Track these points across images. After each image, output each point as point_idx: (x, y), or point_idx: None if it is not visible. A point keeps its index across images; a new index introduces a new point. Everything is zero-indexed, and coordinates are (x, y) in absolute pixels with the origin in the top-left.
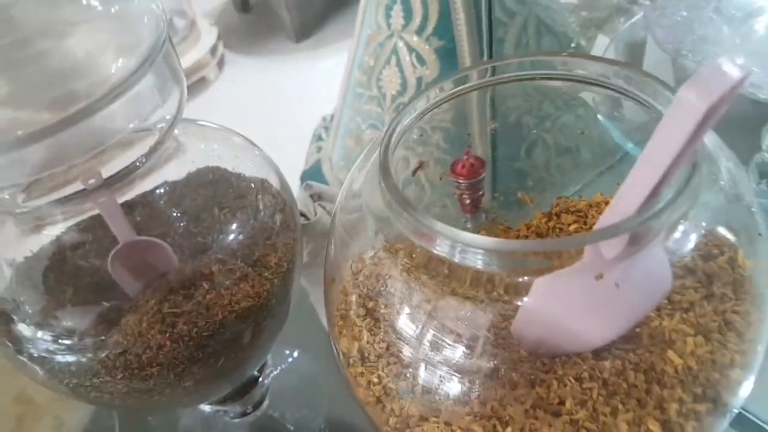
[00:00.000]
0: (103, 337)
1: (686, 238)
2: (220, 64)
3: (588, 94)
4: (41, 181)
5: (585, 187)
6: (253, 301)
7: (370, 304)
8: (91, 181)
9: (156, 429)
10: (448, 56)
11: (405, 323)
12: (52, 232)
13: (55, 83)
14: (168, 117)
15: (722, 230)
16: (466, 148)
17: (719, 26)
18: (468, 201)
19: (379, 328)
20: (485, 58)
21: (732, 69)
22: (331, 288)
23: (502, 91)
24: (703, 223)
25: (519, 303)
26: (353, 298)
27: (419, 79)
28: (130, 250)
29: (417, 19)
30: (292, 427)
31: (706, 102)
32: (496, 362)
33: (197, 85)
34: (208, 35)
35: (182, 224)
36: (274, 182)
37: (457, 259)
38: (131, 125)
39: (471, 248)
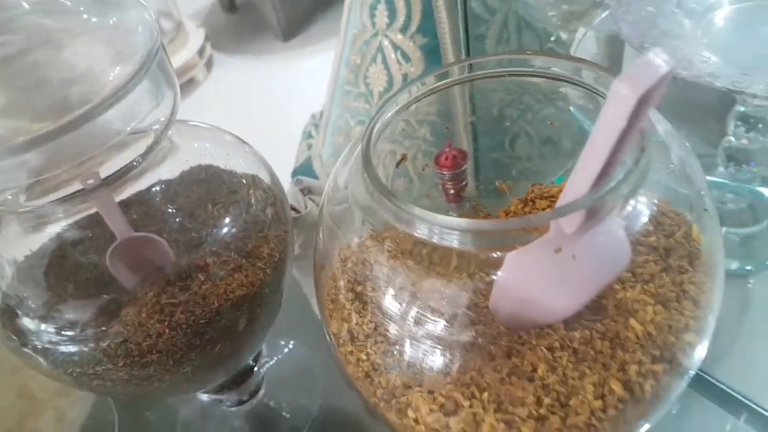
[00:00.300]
0: (104, 328)
1: (639, 215)
2: (209, 64)
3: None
4: (42, 182)
5: (567, 173)
6: (247, 290)
7: (359, 288)
8: (90, 181)
9: (155, 422)
10: (432, 53)
11: (391, 303)
12: (52, 230)
13: (54, 92)
14: (162, 119)
15: (676, 208)
16: (447, 141)
17: (681, 20)
18: (452, 191)
19: (367, 310)
20: (463, 55)
21: (659, 63)
22: (321, 274)
23: (484, 85)
24: (655, 200)
25: (493, 277)
26: (342, 283)
27: (405, 76)
28: (128, 246)
29: (401, 18)
30: (287, 415)
31: (635, 94)
32: (475, 336)
33: (186, 86)
34: (196, 36)
35: (177, 220)
36: (265, 178)
37: (436, 240)
38: (128, 128)
39: (447, 230)
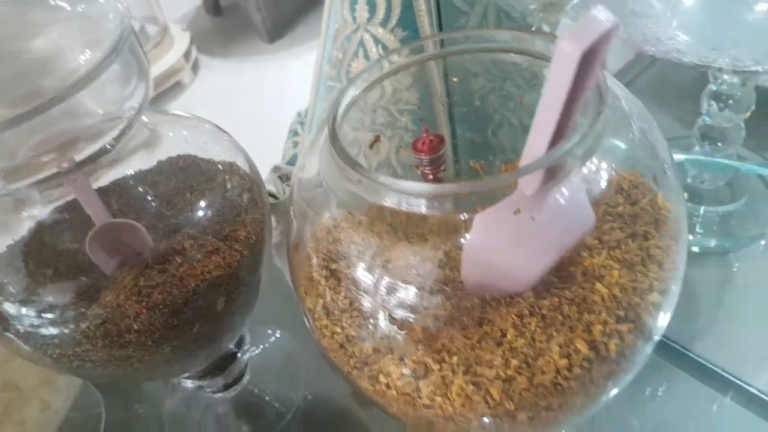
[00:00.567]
0: (83, 310)
1: (600, 179)
2: (195, 68)
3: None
4: (19, 169)
5: None
6: (224, 271)
7: (333, 266)
8: (65, 165)
9: (141, 413)
10: None
11: (364, 276)
12: (32, 217)
13: (26, 80)
14: (135, 105)
15: (640, 177)
16: (424, 126)
17: (650, 1)
18: (430, 176)
19: (342, 286)
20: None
21: (601, 21)
22: (295, 255)
23: (463, 67)
24: (614, 165)
25: (462, 241)
26: (317, 261)
27: None
28: (107, 232)
29: (381, 12)
30: (272, 402)
31: (579, 49)
32: (448, 308)
33: (173, 89)
34: (181, 40)
35: (155, 207)
36: (243, 165)
37: (404, 207)
38: (101, 112)
39: (413, 196)
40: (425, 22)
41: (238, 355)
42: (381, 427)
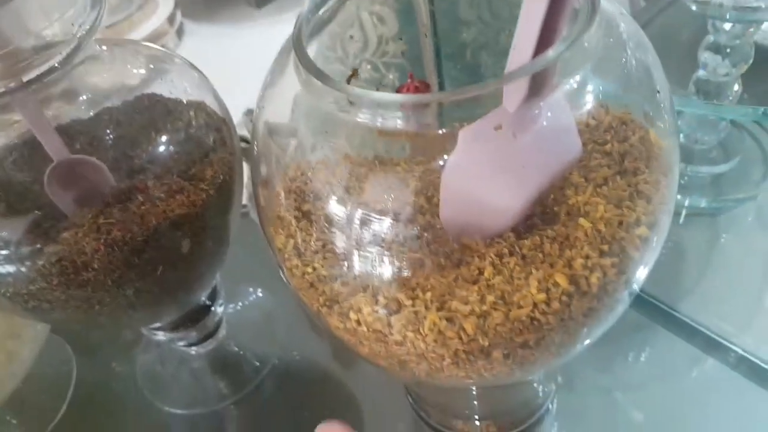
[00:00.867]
0: (39, 246)
1: (585, 99)
2: (179, 33)
3: None
4: None
5: None
6: (188, 210)
7: (306, 207)
8: (11, 84)
9: (115, 369)
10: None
11: (338, 212)
12: None
13: None
14: (87, 26)
15: (632, 112)
16: (409, 72)
17: None
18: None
19: (315, 227)
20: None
21: None
22: (264, 191)
23: (454, 15)
24: (601, 88)
25: (440, 162)
26: (288, 201)
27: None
28: (66, 169)
29: None
30: (248, 357)
31: None
32: (425, 251)
33: None
34: (165, 3)
35: (119, 146)
36: (212, 103)
37: (380, 123)
38: (46, 23)
39: (388, 109)
40: None
41: (212, 308)
42: (358, 385)
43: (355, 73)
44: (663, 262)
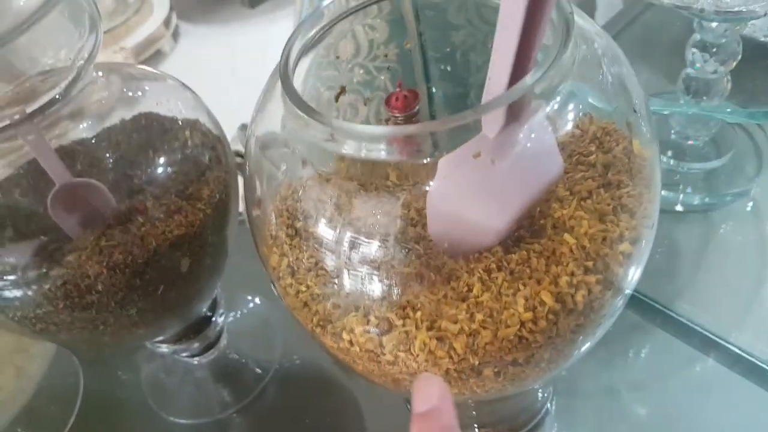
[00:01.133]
0: (44, 270)
1: (565, 119)
2: (175, 35)
3: None
4: None
5: None
6: (186, 230)
7: (298, 225)
8: (16, 116)
9: (122, 381)
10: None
11: (328, 233)
12: None
13: None
14: (85, 55)
15: (615, 124)
16: (398, 81)
17: None
18: None
19: (307, 245)
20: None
21: None
22: (257, 211)
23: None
24: (581, 107)
25: (426, 188)
26: (281, 220)
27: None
28: (69, 192)
29: None
30: (249, 366)
31: None
32: (416, 265)
33: (153, 58)
34: (161, 7)
35: (118, 167)
36: (206, 122)
37: (364, 154)
38: (46, 59)
39: (371, 141)
40: None
41: (213, 318)
42: (360, 390)
43: (343, 91)
44: (657, 261)
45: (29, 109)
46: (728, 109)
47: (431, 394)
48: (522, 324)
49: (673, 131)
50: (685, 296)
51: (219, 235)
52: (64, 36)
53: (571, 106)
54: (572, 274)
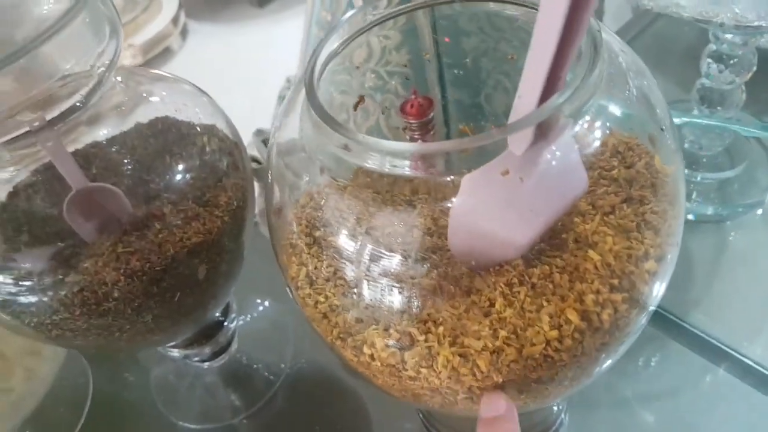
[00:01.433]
0: (61, 277)
1: (592, 137)
2: (183, 33)
3: None
4: None
5: None
6: (204, 237)
7: (317, 233)
8: (36, 123)
9: (130, 382)
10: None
11: (348, 244)
12: (5, 177)
13: None
14: (106, 62)
15: (637, 138)
16: (413, 88)
17: None
18: (419, 141)
19: (326, 254)
20: None
21: None
22: (276, 220)
23: (455, 27)
24: (608, 124)
25: (448, 205)
26: (300, 228)
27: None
28: (85, 197)
29: None
30: (260, 370)
31: None
32: (435, 277)
33: (162, 56)
34: (169, 5)
35: (134, 172)
36: (222, 127)
37: (387, 169)
38: (68, 66)
39: (397, 157)
40: None
41: (225, 323)
42: (370, 396)
43: (361, 100)
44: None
45: (48, 116)
46: (754, 127)
47: (499, 405)
48: (548, 342)
49: (686, 141)
50: (699, 307)
51: (236, 242)
52: (84, 41)
53: (598, 124)
54: (598, 292)
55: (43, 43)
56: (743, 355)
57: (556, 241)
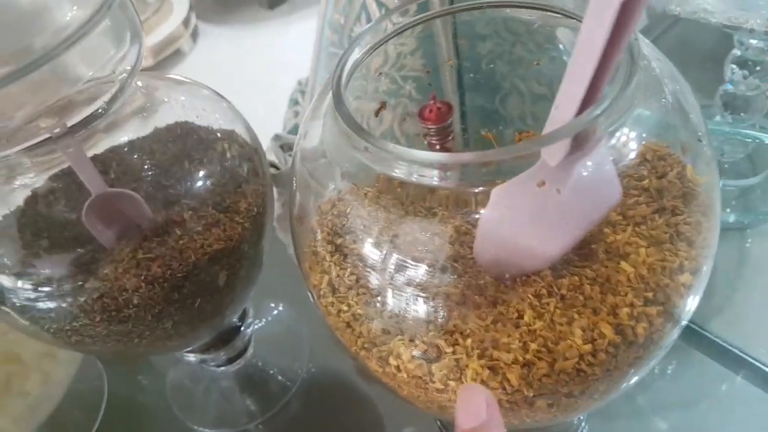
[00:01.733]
0: (80, 283)
1: (628, 149)
2: (194, 35)
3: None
4: (13, 134)
5: None
6: (225, 244)
7: (339, 241)
8: (57, 130)
9: (145, 386)
10: (418, 8)
11: (371, 252)
12: (27, 187)
13: (13, 38)
14: (128, 67)
15: (670, 147)
16: (432, 93)
17: None
18: (438, 146)
19: (348, 262)
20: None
21: None
22: (300, 227)
23: (472, 31)
24: (644, 135)
25: (476, 216)
26: (322, 235)
27: None
28: (104, 203)
29: None
30: (276, 375)
31: None
32: (459, 286)
33: (172, 58)
34: (180, 7)
35: (154, 177)
36: (242, 133)
37: (415, 179)
38: (90, 73)
39: (425, 166)
40: None
41: (242, 328)
42: (386, 401)
43: (383, 106)
44: None
45: (69, 122)
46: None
47: (479, 408)
48: (581, 356)
49: None
50: (720, 316)
51: (255, 248)
52: (105, 47)
53: (633, 135)
54: (632, 305)
55: (65, 51)
56: (763, 363)
57: (584, 251)
